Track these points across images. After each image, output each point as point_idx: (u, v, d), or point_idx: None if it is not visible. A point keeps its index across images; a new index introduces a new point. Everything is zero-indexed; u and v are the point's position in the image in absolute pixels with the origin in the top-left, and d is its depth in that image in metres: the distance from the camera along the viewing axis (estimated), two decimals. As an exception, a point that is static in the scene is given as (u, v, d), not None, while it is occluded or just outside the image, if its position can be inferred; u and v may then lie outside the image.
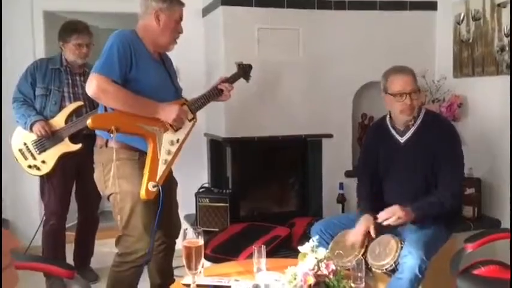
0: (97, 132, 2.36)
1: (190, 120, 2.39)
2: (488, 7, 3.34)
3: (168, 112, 2.25)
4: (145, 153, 2.26)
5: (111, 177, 2.24)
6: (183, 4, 2.40)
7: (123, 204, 2.27)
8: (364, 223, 2.45)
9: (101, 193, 2.41)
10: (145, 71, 2.26)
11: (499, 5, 3.26)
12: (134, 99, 2.18)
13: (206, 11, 3.96)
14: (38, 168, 3.05)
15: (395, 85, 2.46)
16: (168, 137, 2.27)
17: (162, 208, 2.20)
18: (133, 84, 2.21)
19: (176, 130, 2.31)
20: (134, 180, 2.24)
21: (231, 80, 2.80)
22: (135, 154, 2.28)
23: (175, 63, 2.67)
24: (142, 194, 2.18)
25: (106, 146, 2.30)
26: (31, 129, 2.99)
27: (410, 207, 2.38)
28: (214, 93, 2.63)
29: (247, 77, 2.97)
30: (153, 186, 2.17)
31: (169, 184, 2.42)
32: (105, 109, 2.25)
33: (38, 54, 3.82)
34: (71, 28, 3.11)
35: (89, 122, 2.14)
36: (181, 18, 2.39)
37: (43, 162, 3.03)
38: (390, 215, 2.36)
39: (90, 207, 3.38)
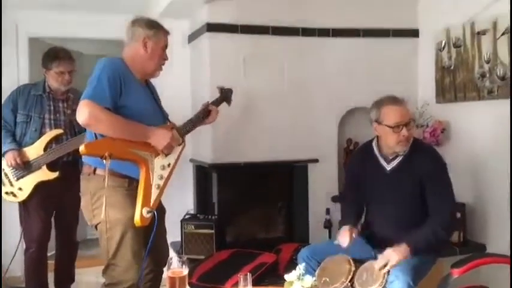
0: (84, 159, 2.32)
1: (179, 145, 2.39)
2: (468, 35, 3.42)
3: (160, 138, 2.24)
4: (135, 180, 2.24)
5: (100, 205, 2.19)
6: (168, 32, 2.45)
7: (111, 233, 2.21)
8: (346, 229, 2.45)
9: (88, 222, 2.34)
10: (134, 97, 2.26)
11: (478, 32, 3.34)
12: (125, 125, 2.17)
13: (192, 37, 4.00)
14: (15, 195, 3.01)
15: (393, 116, 2.44)
16: (159, 161, 2.26)
17: (155, 234, 2.16)
18: (122, 110, 2.20)
19: (167, 155, 2.30)
20: (124, 208, 2.21)
21: (215, 104, 2.85)
22: (125, 181, 2.25)
23: (160, 89, 2.67)
24: (137, 220, 2.14)
25: (94, 173, 2.26)
26: (3, 157, 2.96)
27: (405, 243, 2.34)
28: (202, 116, 2.67)
29: (228, 100, 3.04)
30: (148, 212, 2.15)
31: (158, 211, 2.39)
32: (95, 135, 2.21)
33: (22, 80, 3.79)
34: (52, 55, 3.09)
35: (81, 149, 2.10)
36: (166, 46, 2.43)
37: (20, 189, 3.00)
38: (386, 261, 2.33)
39: (68, 233, 3.32)
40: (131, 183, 2.25)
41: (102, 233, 2.25)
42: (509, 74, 3.08)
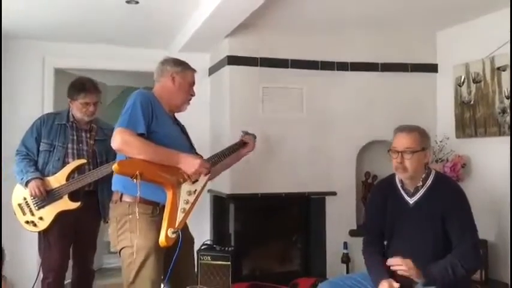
0: (113, 186, 2.39)
1: (205, 174, 2.43)
2: (488, 70, 3.42)
3: (190, 163, 2.30)
4: (159, 207, 2.30)
5: (125, 231, 2.26)
6: (194, 70, 2.57)
7: (132, 258, 2.25)
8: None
9: (112, 248, 2.41)
10: (164, 124, 2.36)
11: (498, 68, 3.34)
12: (156, 150, 2.25)
13: (213, 70, 4.07)
14: (35, 225, 2.99)
15: (393, 142, 2.49)
16: (186, 187, 2.32)
17: (179, 253, 2.17)
18: (154, 135, 2.30)
19: (194, 182, 2.35)
20: (147, 234, 2.25)
21: (237, 145, 2.89)
22: (149, 208, 2.30)
23: (180, 120, 2.71)
24: (162, 240, 2.18)
25: (120, 200, 2.33)
26: (26, 186, 2.97)
27: (423, 271, 2.29)
28: (234, 149, 2.77)
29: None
30: (173, 233, 2.18)
31: (186, 239, 2.38)
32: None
33: (46, 109, 3.89)
34: (79, 87, 3.12)
35: (115, 166, 2.18)
36: (193, 83, 2.55)
37: (40, 218, 2.99)
38: (402, 265, 2.28)
39: (85, 262, 3.30)
40: (155, 210, 2.30)
41: (124, 258, 2.29)
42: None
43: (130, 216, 2.25)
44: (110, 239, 2.39)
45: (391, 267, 2.34)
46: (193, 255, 2.60)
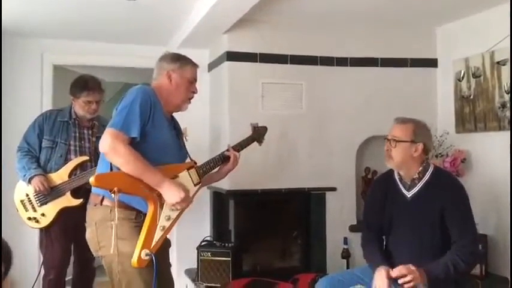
0: (93, 189, 2.25)
1: (196, 185, 2.29)
2: (488, 65, 3.41)
3: (172, 193, 2.10)
4: (142, 213, 2.14)
5: (106, 237, 2.11)
6: (196, 65, 2.40)
7: (123, 267, 2.11)
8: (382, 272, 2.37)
9: (94, 253, 2.27)
10: (159, 126, 2.22)
11: (498, 62, 3.33)
12: (141, 167, 2.06)
13: (212, 66, 4.06)
14: (37, 221, 3.00)
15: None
16: None
17: (156, 280, 2.05)
18: (146, 138, 2.15)
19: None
20: (133, 240, 2.09)
21: (244, 143, 2.69)
22: (132, 214, 2.15)
23: (179, 117, 2.67)
24: (134, 261, 2.03)
25: (101, 204, 2.19)
26: (29, 182, 2.97)
27: (425, 271, 2.29)
28: (222, 159, 2.53)
29: (260, 140, 2.82)
30: (146, 255, 2.03)
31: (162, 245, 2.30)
32: (111, 166, 2.13)
33: (45, 106, 3.89)
34: (82, 85, 3.11)
35: (91, 180, 2.03)
36: (195, 79, 2.37)
37: (43, 215, 2.99)
38: (406, 273, 2.28)
39: (87, 260, 3.30)
40: (138, 216, 2.15)
41: (112, 266, 2.15)
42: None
43: (112, 222, 2.07)
44: (90, 244, 2.26)
45: (399, 281, 2.30)
46: (169, 257, 2.45)
